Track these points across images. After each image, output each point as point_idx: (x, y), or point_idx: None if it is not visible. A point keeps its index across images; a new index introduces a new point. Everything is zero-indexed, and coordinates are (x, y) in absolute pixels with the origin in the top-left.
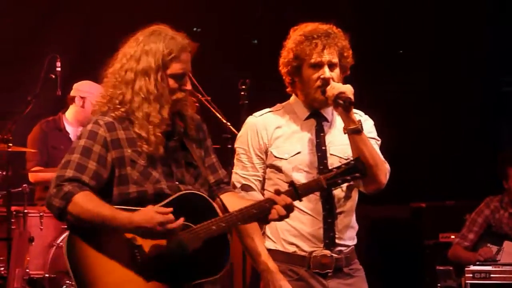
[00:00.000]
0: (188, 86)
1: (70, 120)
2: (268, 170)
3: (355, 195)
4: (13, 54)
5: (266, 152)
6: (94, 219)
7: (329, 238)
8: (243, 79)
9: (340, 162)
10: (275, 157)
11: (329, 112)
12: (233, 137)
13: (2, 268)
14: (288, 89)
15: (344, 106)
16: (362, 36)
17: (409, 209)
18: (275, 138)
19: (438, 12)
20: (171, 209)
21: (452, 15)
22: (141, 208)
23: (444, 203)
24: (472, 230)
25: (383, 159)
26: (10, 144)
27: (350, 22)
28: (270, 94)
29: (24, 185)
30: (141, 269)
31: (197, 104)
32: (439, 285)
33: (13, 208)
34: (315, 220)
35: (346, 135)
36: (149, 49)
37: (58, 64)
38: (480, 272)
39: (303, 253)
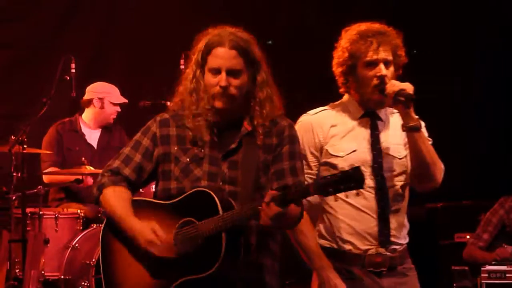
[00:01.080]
0: (224, 82)
1: (88, 122)
2: (321, 167)
3: (407, 194)
4: (28, 56)
5: (321, 150)
6: (111, 215)
7: (384, 235)
8: None
9: (394, 161)
10: (331, 154)
11: (383, 111)
12: None
13: (17, 270)
14: (341, 90)
15: (405, 102)
16: None
17: (425, 210)
18: (330, 136)
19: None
20: (165, 237)
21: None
22: (144, 222)
23: (460, 203)
24: (486, 230)
25: None
26: (25, 146)
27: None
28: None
29: (39, 187)
30: (151, 265)
31: None
32: (454, 285)
33: (28, 209)
34: (370, 217)
35: (400, 135)
36: (196, 47)
37: (73, 65)
38: (496, 272)
39: (358, 251)
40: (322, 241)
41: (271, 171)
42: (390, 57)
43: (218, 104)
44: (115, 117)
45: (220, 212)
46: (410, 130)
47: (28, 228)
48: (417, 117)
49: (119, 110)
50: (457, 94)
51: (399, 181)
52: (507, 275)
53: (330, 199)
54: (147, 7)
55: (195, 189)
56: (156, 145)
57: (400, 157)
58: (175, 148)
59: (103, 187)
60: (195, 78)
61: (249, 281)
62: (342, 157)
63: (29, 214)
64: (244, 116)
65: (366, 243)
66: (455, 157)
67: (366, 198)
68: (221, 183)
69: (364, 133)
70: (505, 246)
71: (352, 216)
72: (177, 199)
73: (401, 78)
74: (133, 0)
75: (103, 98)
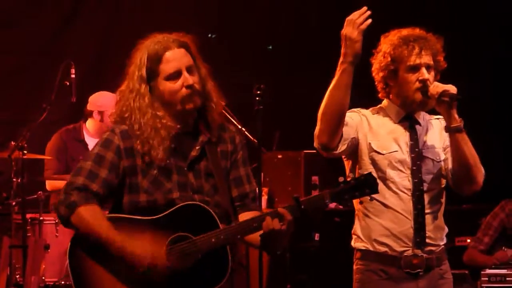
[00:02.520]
0: (190, 81)
1: (91, 132)
2: (361, 160)
3: (444, 196)
4: (29, 62)
5: (365, 135)
6: (91, 235)
7: (420, 237)
8: (258, 85)
9: (433, 164)
10: (374, 150)
11: (421, 116)
12: (248, 142)
13: (18, 276)
14: (379, 95)
15: (449, 103)
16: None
17: None
18: (375, 133)
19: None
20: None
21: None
22: (137, 241)
23: (460, 207)
24: (487, 234)
25: None
26: (25, 152)
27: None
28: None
29: (39, 192)
30: (140, 285)
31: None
32: None
33: (28, 215)
34: (405, 219)
35: (439, 139)
36: (137, 61)
37: (73, 71)
38: (496, 275)
39: (394, 253)
40: (358, 244)
41: (230, 178)
42: (431, 62)
43: (189, 105)
44: None
45: (220, 226)
46: (453, 131)
47: (28, 234)
48: (460, 118)
49: None
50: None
51: (437, 184)
52: (507, 278)
53: (365, 199)
54: (147, 13)
55: (185, 203)
56: (121, 158)
57: (438, 160)
58: (141, 162)
59: (75, 205)
60: (138, 96)
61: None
62: (384, 154)
63: (29, 220)
64: (197, 120)
65: (402, 245)
66: None
67: (402, 200)
68: (191, 193)
69: (404, 136)
70: (505, 249)
71: (389, 218)
72: (163, 213)
73: None
74: (133, 7)
75: (103, 112)
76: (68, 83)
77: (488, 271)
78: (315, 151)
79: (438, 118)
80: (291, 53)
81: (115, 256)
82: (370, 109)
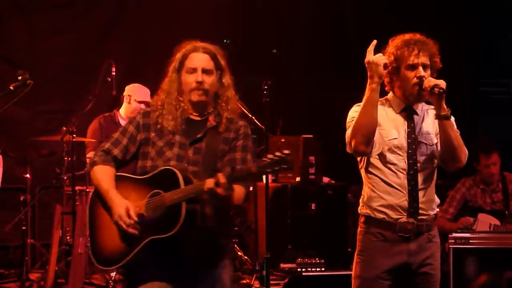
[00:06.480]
0: (199, 78)
1: (123, 116)
2: None
3: (435, 174)
4: (78, 61)
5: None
6: (98, 187)
7: (413, 208)
8: (265, 81)
9: (427, 147)
10: (379, 135)
11: (419, 107)
12: (257, 128)
13: (68, 237)
14: (386, 88)
15: (438, 95)
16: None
17: None
18: (379, 123)
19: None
20: (136, 214)
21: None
22: (124, 199)
23: None
24: (452, 205)
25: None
26: (74, 135)
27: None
28: (287, 93)
29: (85, 169)
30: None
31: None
32: None
33: (77, 187)
34: (401, 193)
35: (432, 126)
36: (176, 56)
37: (113, 69)
38: (460, 238)
39: (390, 220)
40: (363, 210)
41: (226, 159)
42: (428, 62)
43: (194, 97)
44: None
45: (181, 186)
46: (441, 118)
47: (77, 203)
48: (448, 108)
49: (143, 106)
50: None
51: (429, 164)
52: (470, 241)
53: (370, 176)
54: (174, 21)
55: (164, 167)
56: (139, 132)
57: (431, 144)
58: (153, 134)
59: (95, 164)
60: (170, 81)
61: (205, 243)
62: (385, 141)
63: (78, 191)
64: (211, 113)
65: (397, 214)
66: None
67: (399, 178)
68: (186, 164)
69: (403, 124)
70: (468, 217)
71: (387, 192)
72: (149, 175)
73: None
74: (162, 17)
75: (130, 96)
76: (109, 79)
77: (454, 234)
78: (312, 136)
79: (434, 108)
80: (292, 56)
81: (107, 204)
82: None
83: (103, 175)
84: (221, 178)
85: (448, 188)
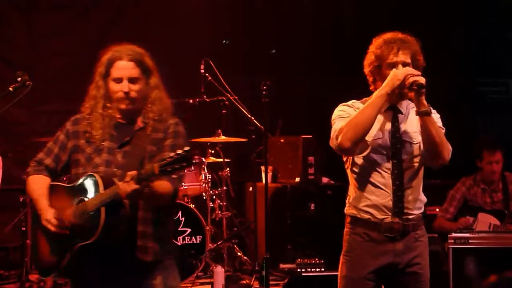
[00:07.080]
0: (126, 89)
1: None
2: None
3: (421, 173)
4: (76, 62)
5: None
6: (30, 196)
7: (398, 208)
8: (264, 81)
9: (411, 146)
10: None
11: (404, 106)
12: (256, 128)
13: None
14: (371, 88)
15: (417, 91)
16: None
17: None
18: None
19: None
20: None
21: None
22: (51, 208)
23: (430, 182)
24: (452, 205)
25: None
26: None
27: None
28: (286, 93)
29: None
30: (53, 235)
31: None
32: None
33: None
34: (386, 193)
35: (417, 124)
36: (103, 60)
37: None
38: (460, 238)
39: (375, 220)
40: (349, 211)
41: (156, 159)
42: (408, 60)
43: (122, 106)
44: None
45: (101, 190)
46: (422, 114)
47: None
48: (428, 103)
49: None
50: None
51: (415, 163)
52: (469, 241)
53: (355, 175)
54: (174, 24)
55: (87, 174)
56: (69, 139)
57: (415, 142)
58: (82, 142)
59: (29, 174)
60: (97, 87)
61: (133, 246)
62: (369, 141)
63: None
64: (139, 115)
65: (382, 214)
66: None
67: (384, 177)
68: (115, 169)
69: (387, 124)
70: (467, 217)
71: (372, 192)
72: (77, 182)
73: None
74: (162, 20)
75: None
76: None
77: (454, 234)
78: (311, 136)
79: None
80: (292, 56)
81: (38, 213)
82: (363, 99)
83: (34, 185)
84: (128, 178)
85: (448, 188)
